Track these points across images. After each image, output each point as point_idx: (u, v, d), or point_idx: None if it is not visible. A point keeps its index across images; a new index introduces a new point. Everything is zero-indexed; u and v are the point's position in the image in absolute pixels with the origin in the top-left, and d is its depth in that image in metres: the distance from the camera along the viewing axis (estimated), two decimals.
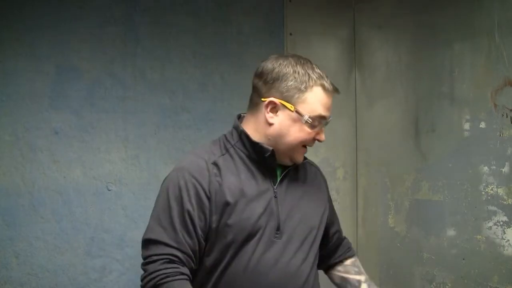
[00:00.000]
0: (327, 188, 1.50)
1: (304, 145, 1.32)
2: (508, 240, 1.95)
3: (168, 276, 1.14)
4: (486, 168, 2.02)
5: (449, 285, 2.17)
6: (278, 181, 1.31)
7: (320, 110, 1.27)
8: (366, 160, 2.63)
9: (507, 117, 1.95)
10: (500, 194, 1.98)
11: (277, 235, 1.26)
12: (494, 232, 1.99)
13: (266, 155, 1.27)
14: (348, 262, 1.55)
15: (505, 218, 1.96)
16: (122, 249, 2.11)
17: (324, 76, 1.29)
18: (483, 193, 2.03)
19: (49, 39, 2.02)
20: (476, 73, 2.07)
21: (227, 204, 1.22)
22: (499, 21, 1.97)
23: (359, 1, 2.68)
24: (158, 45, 2.23)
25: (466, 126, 2.11)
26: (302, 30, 2.57)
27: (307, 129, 1.28)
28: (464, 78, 2.12)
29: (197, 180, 1.22)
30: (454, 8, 2.15)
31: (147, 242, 1.21)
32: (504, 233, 1.96)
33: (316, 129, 1.30)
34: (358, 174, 2.68)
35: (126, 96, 2.16)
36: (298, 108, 1.26)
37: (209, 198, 1.22)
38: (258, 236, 1.24)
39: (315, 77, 1.27)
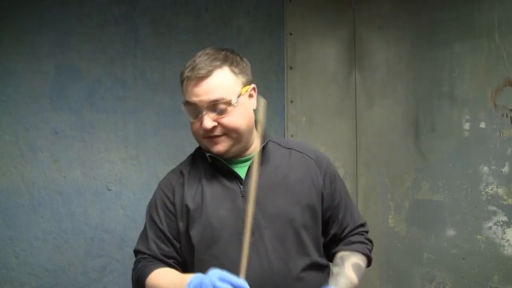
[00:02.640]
0: (327, 175, 1.36)
1: (204, 136, 1.24)
2: (508, 240, 1.95)
3: (142, 267, 1.28)
4: (486, 168, 2.02)
5: (449, 285, 2.17)
6: (244, 178, 1.27)
7: (186, 97, 1.23)
8: (366, 160, 2.63)
9: (507, 117, 1.95)
10: (500, 194, 1.98)
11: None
12: (494, 232, 1.99)
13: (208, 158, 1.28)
14: (339, 254, 1.36)
15: (505, 218, 1.96)
16: (122, 249, 2.11)
17: (195, 61, 1.22)
18: (483, 193, 2.03)
19: (49, 39, 2.02)
20: (476, 73, 2.07)
21: (189, 209, 1.26)
22: (499, 21, 1.97)
23: (359, 1, 2.68)
24: (158, 45, 2.23)
25: (466, 126, 2.11)
26: (302, 30, 2.57)
27: (190, 118, 1.24)
28: (464, 78, 2.12)
29: (164, 192, 1.33)
30: (454, 8, 2.15)
31: (134, 253, 1.36)
32: (504, 233, 1.96)
33: (198, 116, 1.22)
34: (358, 174, 2.68)
35: (126, 96, 2.16)
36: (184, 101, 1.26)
37: (174, 206, 1.30)
38: (225, 238, 1.22)
39: (185, 67, 1.24)
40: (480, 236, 2.04)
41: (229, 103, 1.20)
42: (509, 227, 1.95)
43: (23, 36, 1.98)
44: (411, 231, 2.36)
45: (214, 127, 1.21)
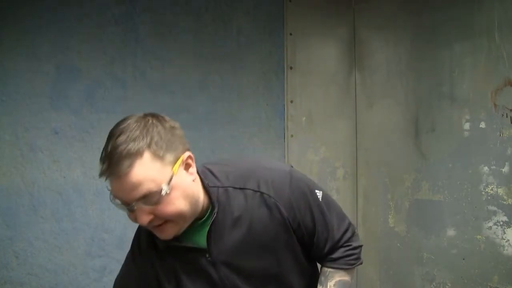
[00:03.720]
0: (292, 205, 1.17)
1: (148, 226, 1.09)
2: (508, 240, 1.95)
3: None
4: (486, 168, 2.02)
5: (449, 285, 2.17)
6: (206, 246, 1.14)
7: (113, 192, 1.07)
8: (366, 160, 2.63)
9: (507, 117, 1.95)
10: (500, 194, 1.98)
11: None
12: (494, 232, 1.99)
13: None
14: (323, 270, 1.28)
15: (505, 218, 1.96)
16: (122, 249, 2.11)
17: (110, 152, 1.00)
18: (483, 193, 2.03)
19: (49, 39, 2.02)
20: (476, 73, 2.07)
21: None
22: (499, 21, 1.97)
23: (359, 1, 2.68)
24: (158, 45, 2.23)
25: (466, 126, 2.11)
26: (302, 30, 2.57)
27: (124, 210, 1.08)
28: (464, 78, 2.12)
29: (137, 265, 1.25)
30: (454, 8, 2.15)
31: None
32: (504, 233, 1.96)
33: (133, 212, 1.05)
34: (358, 174, 2.68)
35: (126, 96, 2.16)
36: None
37: (147, 280, 1.21)
38: None
39: (100, 157, 1.04)
40: (480, 236, 2.04)
41: (159, 194, 1.01)
42: (509, 227, 1.95)
43: (23, 36, 1.98)
44: (411, 231, 2.36)
45: (152, 219, 1.04)
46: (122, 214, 2.26)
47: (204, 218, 1.15)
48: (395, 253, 2.44)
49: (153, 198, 1.01)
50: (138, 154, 0.99)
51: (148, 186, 1.00)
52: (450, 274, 2.17)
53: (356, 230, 1.31)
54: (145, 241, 1.23)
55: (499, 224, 1.98)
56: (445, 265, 2.19)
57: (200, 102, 2.32)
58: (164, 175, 1.02)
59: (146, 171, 1.00)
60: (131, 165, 0.99)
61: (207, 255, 1.14)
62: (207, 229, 1.13)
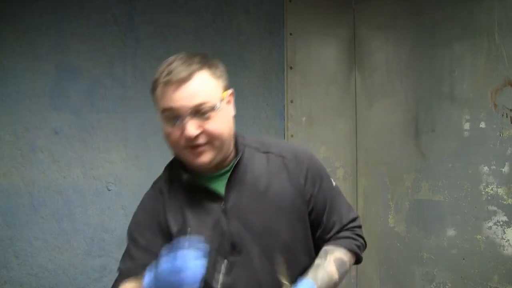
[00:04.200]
0: (308, 177, 1.24)
1: (185, 146, 1.13)
2: (508, 240, 1.95)
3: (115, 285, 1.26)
4: (486, 168, 2.02)
5: (449, 285, 2.17)
6: (223, 194, 1.18)
7: (164, 103, 1.11)
8: (366, 160, 2.63)
9: (507, 117, 1.95)
10: (500, 194, 1.98)
11: (234, 254, 1.15)
12: (494, 232, 1.99)
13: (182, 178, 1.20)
14: (324, 248, 1.27)
15: (505, 218, 1.96)
16: (122, 249, 2.09)
17: (171, 65, 1.11)
18: (483, 193, 2.03)
19: (49, 39, 2.02)
20: (476, 73, 2.07)
21: (172, 233, 1.18)
22: (499, 21, 1.97)
23: (359, 1, 2.68)
24: (158, 45, 2.23)
25: (466, 126, 2.11)
26: (302, 30, 2.57)
27: (167, 127, 1.13)
28: (464, 78, 2.12)
29: (147, 210, 1.26)
30: (454, 8, 2.15)
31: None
32: (504, 233, 1.96)
33: (177, 125, 1.10)
34: (358, 174, 2.68)
35: (126, 96, 2.16)
36: (157, 109, 1.15)
37: (158, 225, 1.22)
38: (211, 261, 1.12)
39: (159, 72, 1.12)
40: (480, 236, 2.04)
41: (213, 108, 1.10)
42: (509, 227, 1.95)
43: (23, 36, 1.98)
44: (411, 231, 2.36)
45: (198, 135, 1.10)
46: (122, 214, 2.27)
47: (228, 168, 1.20)
48: (395, 253, 2.44)
49: (206, 109, 1.09)
50: (198, 68, 1.10)
51: (205, 96, 1.09)
52: (450, 274, 2.17)
53: (362, 226, 1.32)
54: (165, 181, 1.26)
55: (499, 224, 1.98)
56: (445, 265, 2.19)
57: None
58: (217, 93, 1.13)
59: (204, 83, 1.11)
60: (192, 74, 1.09)
61: (222, 203, 1.17)
62: (226, 179, 1.18)
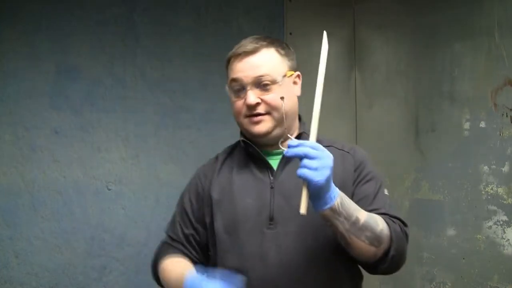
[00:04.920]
0: (357, 168, 1.26)
1: (246, 115, 1.22)
2: (508, 239, 1.95)
3: (162, 250, 1.31)
4: (486, 167, 2.02)
5: (449, 284, 2.17)
6: (275, 170, 1.23)
7: (231, 75, 1.23)
8: None
9: (507, 116, 1.95)
10: (500, 193, 1.98)
11: (270, 226, 1.18)
12: (494, 232, 1.99)
13: (243, 145, 1.28)
14: None
15: (505, 218, 1.96)
16: (122, 248, 2.11)
17: (241, 42, 1.26)
18: (483, 192, 2.03)
19: (49, 38, 2.02)
20: (476, 73, 2.07)
21: (212, 199, 1.25)
22: (499, 21, 1.97)
23: (359, 1, 2.68)
24: (158, 45, 2.23)
25: (466, 125, 2.11)
26: (302, 30, 2.57)
27: (233, 98, 1.24)
28: (464, 77, 2.12)
29: (199, 178, 1.33)
30: (454, 8, 2.15)
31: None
32: (504, 232, 1.96)
33: (241, 95, 1.21)
34: None
35: (126, 96, 2.16)
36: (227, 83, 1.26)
37: (203, 193, 1.29)
38: (247, 228, 1.19)
39: (232, 49, 1.26)
40: (480, 236, 2.04)
41: (274, 81, 1.19)
42: (509, 226, 1.95)
43: (23, 36, 1.98)
44: (411, 231, 2.33)
45: (258, 104, 1.19)
46: (122, 213, 2.27)
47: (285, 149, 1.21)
48: None
49: (267, 81, 1.19)
50: (266, 45, 1.23)
51: (267, 69, 1.20)
52: (450, 273, 2.17)
53: (407, 227, 1.24)
54: (226, 150, 1.36)
55: (499, 224, 1.98)
56: (445, 264, 2.19)
57: (200, 101, 2.32)
58: (281, 69, 1.22)
59: (269, 57, 1.22)
60: (258, 48, 1.22)
61: (271, 178, 1.22)
62: (281, 158, 1.24)
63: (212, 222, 1.25)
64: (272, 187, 1.21)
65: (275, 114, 1.21)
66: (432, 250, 2.25)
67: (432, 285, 2.24)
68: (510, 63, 1.94)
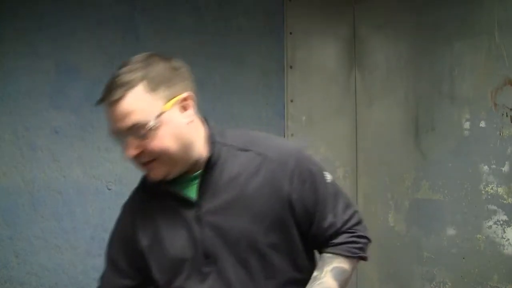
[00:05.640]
0: (294, 176, 1.11)
1: (137, 163, 1.09)
2: (508, 239, 1.95)
3: None
4: (486, 167, 2.02)
5: (449, 284, 2.17)
6: (195, 199, 1.11)
7: (108, 123, 1.07)
8: (366, 159, 2.63)
9: (507, 116, 1.95)
10: (500, 193, 1.98)
11: (208, 264, 1.09)
12: (494, 231, 1.99)
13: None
14: (321, 255, 1.19)
15: (505, 217, 1.96)
16: None
17: (111, 80, 1.05)
18: (483, 192, 2.03)
19: (49, 38, 2.02)
20: (476, 72, 2.06)
21: (143, 246, 1.15)
22: (499, 20, 1.97)
23: (359, 0, 2.68)
24: (158, 44, 2.22)
25: (466, 125, 2.11)
26: (302, 29, 2.57)
27: (120, 145, 1.09)
28: (464, 77, 2.12)
29: (125, 222, 1.24)
30: (454, 7, 2.15)
31: None
32: (504, 232, 1.96)
33: (124, 144, 1.06)
34: (358, 173, 2.68)
35: None
36: None
37: (132, 240, 1.18)
38: (185, 272, 1.10)
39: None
40: (480, 236, 2.04)
41: (148, 127, 1.01)
42: (509, 226, 1.95)
43: (23, 35, 1.99)
44: (411, 230, 2.36)
45: (140, 153, 1.05)
46: None
47: (201, 171, 1.11)
48: (395, 252, 2.44)
49: (140, 130, 1.02)
50: (131, 84, 1.02)
51: (136, 116, 1.02)
52: (450, 273, 2.17)
53: (363, 221, 1.22)
54: (139, 190, 1.24)
55: (499, 224, 1.98)
56: (445, 264, 2.19)
57: (200, 101, 2.30)
58: (154, 109, 1.03)
59: (137, 101, 1.02)
60: (123, 94, 1.02)
61: (194, 210, 1.10)
62: (199, 182, 1.11)
63: (147, 270, 1.16)
64: (198, 220, 1.10)
65: (164, 157, 1.05)
66: (432, 250, 2.25)
67: (432, 285, 2.24)
68: (510, 63, 1.93)
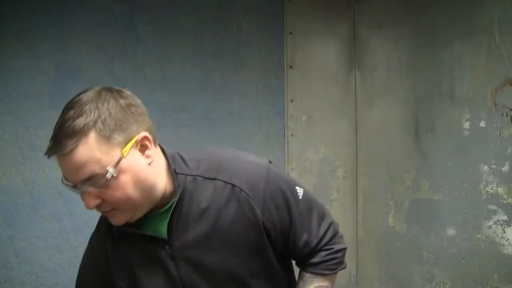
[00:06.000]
0: (266, 201, 1.06)
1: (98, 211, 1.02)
2: (508, 239, 1.95)
3: None
4: (486, 167, 2.02)
5: (449, 284, 2.17)
6: (167, 235, 1.05)
7: (62, 173, 0.98)
8: (366, 159, 2.63)
9: (507, 116, 1.95)
10: (500, 193, 1.98)
11: None
12: (494, 231, 1.99)
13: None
14: (301, 274, 1.19)
15: (505, 217, 1.96)
16: None
17: (56, 128, 0.95)
18: (483, 192, 2.03)
19: (49, 38, 2.02)
20: (476, 72, 2.06)
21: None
22: (499, 20, 1.97)
23: (359, 0, 2.68)
24: (158, 44, 2.23)
25: (466, 125, 2.11)
26: (302, 29, 2.57)
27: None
28: (464, 77, 2.12)
29: (95, 260, 1.15)
30: (454, 7, 2.15)
31: None
32: (504, 232, 1.96)
33: (81, 195, 0.97)
34: (358, 173, 2.68)
35: None
36: None
37: (106, 278, 1.12)
38: None
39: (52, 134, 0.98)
40: (480, 235, 2.04)
41: (106, 178, 0.93)
42: (509, 226, 1.95)
43: (23, 35, 1.98)
44: (411, 230, 2.36)
45: (100, 204, 0.97)
46: None
47: (168, 206, 1.05)
48: (395, 252, 2.44)
49: (99, 181, 0.93)
50: (82, 132, 0.92)
51: (93, 167, 0.92)
52: (450, 273, 2.17)
53: (338, 230, 1.21)
54: (103, 227, 1.14)
55: (499, 223, 1.98)
56: (445, 264, 2.19)
57: (200, 101, 2.32)
58: (111, 157, 0.94)
59: (91, 151, 0.92)
60: (75, 144, 0.91)
61: (167, 247, 1.05)
62: (168, 217, 1.04)
63: None
64: (173, 258, 1.05)
65: (124, 206, 0.99)
66: (432, 250, 2.25)
67: (432, 285, 2.24)
68: (510, 63, 1.93)
